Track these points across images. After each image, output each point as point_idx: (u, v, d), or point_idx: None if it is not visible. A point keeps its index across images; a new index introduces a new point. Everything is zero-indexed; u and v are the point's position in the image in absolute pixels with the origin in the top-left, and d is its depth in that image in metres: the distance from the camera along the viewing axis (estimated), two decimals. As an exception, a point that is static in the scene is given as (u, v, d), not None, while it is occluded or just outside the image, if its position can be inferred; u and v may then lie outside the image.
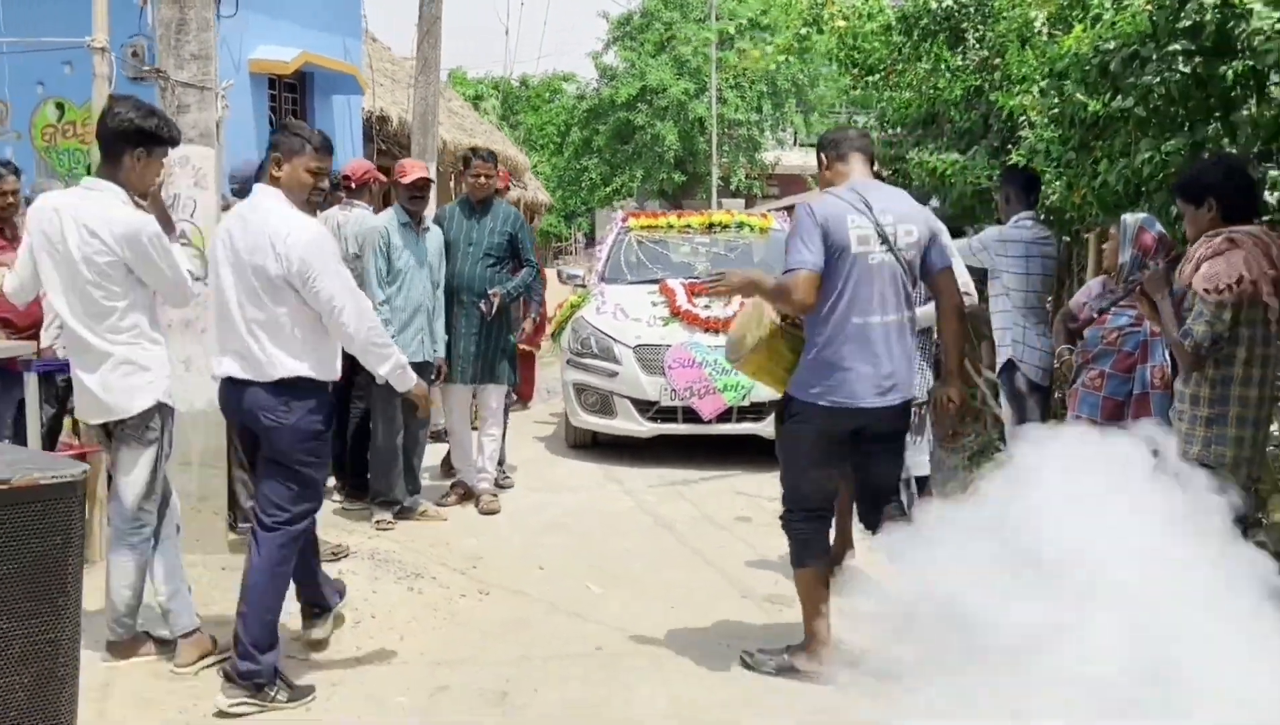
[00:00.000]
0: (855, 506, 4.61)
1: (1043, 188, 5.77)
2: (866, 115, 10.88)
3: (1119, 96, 4.93)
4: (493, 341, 6.79)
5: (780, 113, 28.09)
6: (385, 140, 13.50)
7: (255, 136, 9.30)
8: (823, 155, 4.39)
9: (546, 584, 5.44)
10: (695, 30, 27.32)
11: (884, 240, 4.06)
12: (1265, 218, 4.87)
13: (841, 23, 7.82)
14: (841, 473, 4.40)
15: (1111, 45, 4.90)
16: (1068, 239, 6.22)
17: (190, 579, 4.49)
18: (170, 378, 4.21)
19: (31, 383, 5.16)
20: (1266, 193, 4.81)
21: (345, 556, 5.59)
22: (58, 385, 5.93)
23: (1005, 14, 6.01)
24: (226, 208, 5.84)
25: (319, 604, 4.57)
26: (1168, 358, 4.69)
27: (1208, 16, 4.64)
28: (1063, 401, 5.52)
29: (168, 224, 4.22)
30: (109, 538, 4.29)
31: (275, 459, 4.04)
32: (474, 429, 7.07)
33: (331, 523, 5.99)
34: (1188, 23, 4.70)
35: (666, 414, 8.04)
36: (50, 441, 5.63)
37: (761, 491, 6.78)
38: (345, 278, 4.03)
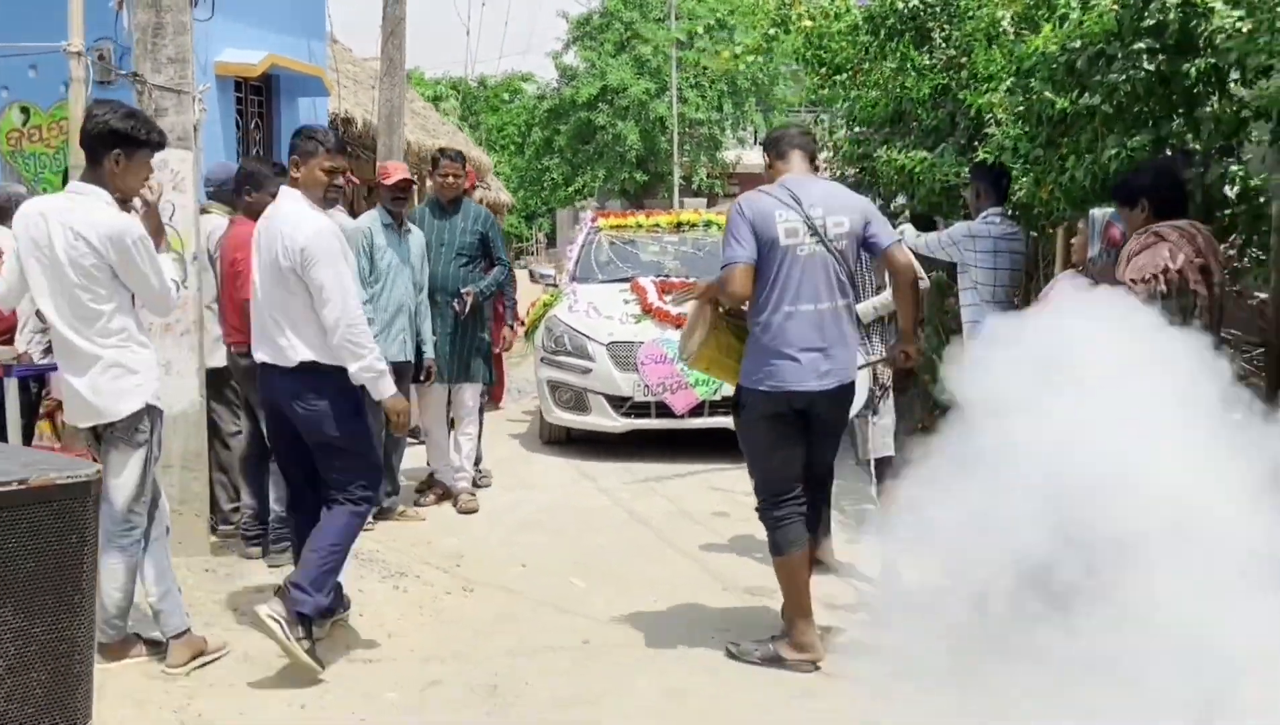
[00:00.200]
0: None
1: (1011, 184, 5.89)
2: (829, 115, 11.01)
3: (1085, 94, 5.04)
4: (467, 340, 6.85)
5: (741, 112, 28.22)
6: (350, 142, 13.46)
7: (222, 139, 9.25)
8: (766, 154, 4.65)
9: (529, 580, 5.50)
10: (655, 30, 27.39)
11: (814, 232, 4.29)
12: (1227, 211, 5.03)
13: (808, 23, 7.91)
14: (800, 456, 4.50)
15: (1078, 44, 5.01)
16: (1035, 234, 6.34)
17: (175, 581, 4.51)
18: (158, 380, 4.22)
19: (12, 387, 5.15)
20: (1227, 187, 4.97)
21: (329, 556, 5.61)
22: (30, 391, 5.93)
23: (972, 14, 6.13)
24: (204, 211, 5.88)
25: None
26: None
27: (1170, 15, 4.77)
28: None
29: (158, 234, 4.24)
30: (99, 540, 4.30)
31: (325, 443, 4.37)
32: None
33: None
34: (1151, 21, 4.83)
35: (640, 409, 8.20)
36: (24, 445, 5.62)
37: (736, 487, 6.85)
38: (342, 274, 4.24)
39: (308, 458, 4.47)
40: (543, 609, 5.08)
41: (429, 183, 7.11)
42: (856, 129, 8.58)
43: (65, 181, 5.80)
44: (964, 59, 6.50)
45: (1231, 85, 4.89)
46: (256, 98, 10.46)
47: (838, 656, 4.51)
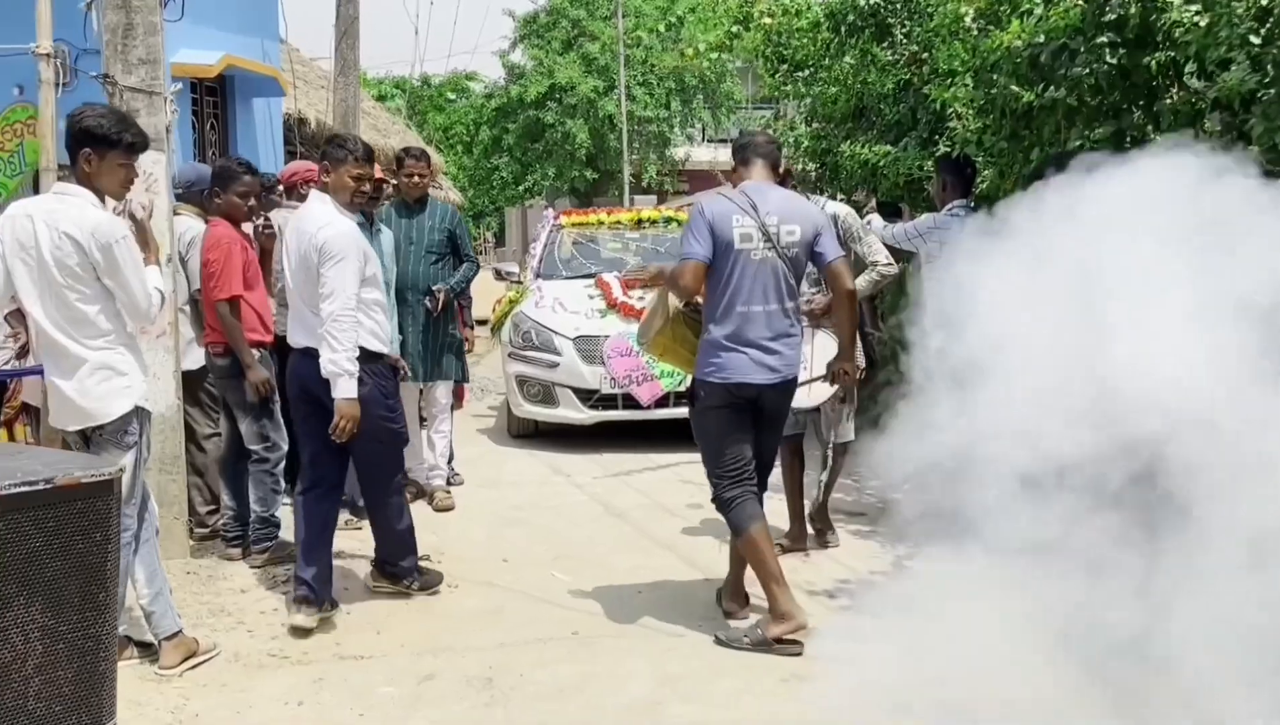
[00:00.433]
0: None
1: (976, 176, 6.03)
2: (784, 112, 11.14)
3: (1050, 87, 5.18)
4: (439, 338, 6.89)
5: (689, 109, 28.32)
6: (304, 142, 13.39)
7: (179, 140, 9.17)
8: (733, 158, 4.91)
9: (513, 574, 5.54)
10: (604, 28, 27.40)
11: (767, 238, 4.54)
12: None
13: (768, 20, 8.02)
14: (751, 443, 4.72)
15: (1042, 39, 5.15)
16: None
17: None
18: (146, 382, 4.22)
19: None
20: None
21: (311, 556, 5.63)
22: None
23: (934, 10, 6.25)
24: (175, 213, 5.85)
25: (313, 592, 4.75)
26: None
27: (1131, 10, 4.93)
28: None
29: (145, 245, 4.24)
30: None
31: (369, 429, 4.72)
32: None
33: (289, 525, 5.98)
34: (1113, 16, 4.99)
35: (607, 401, 8.41)
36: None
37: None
38: (346, 273, 4.62)
39: (327, 440, 4.77)
40: (529, 602, 5.12)
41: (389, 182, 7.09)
42: (815, 124, 8.69)
43: (36, 186, 5.77)
44: (925, 55, 6.62)
45: (1188, 78, 5.05)
46: (212, 98, 10.38)
47: (824, 640, 4.60)
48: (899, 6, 6.86)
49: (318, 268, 4.64)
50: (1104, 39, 4.98)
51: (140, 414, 4.15)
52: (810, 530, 6.00)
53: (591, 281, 9.19)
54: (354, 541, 5.93)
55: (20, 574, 2.41)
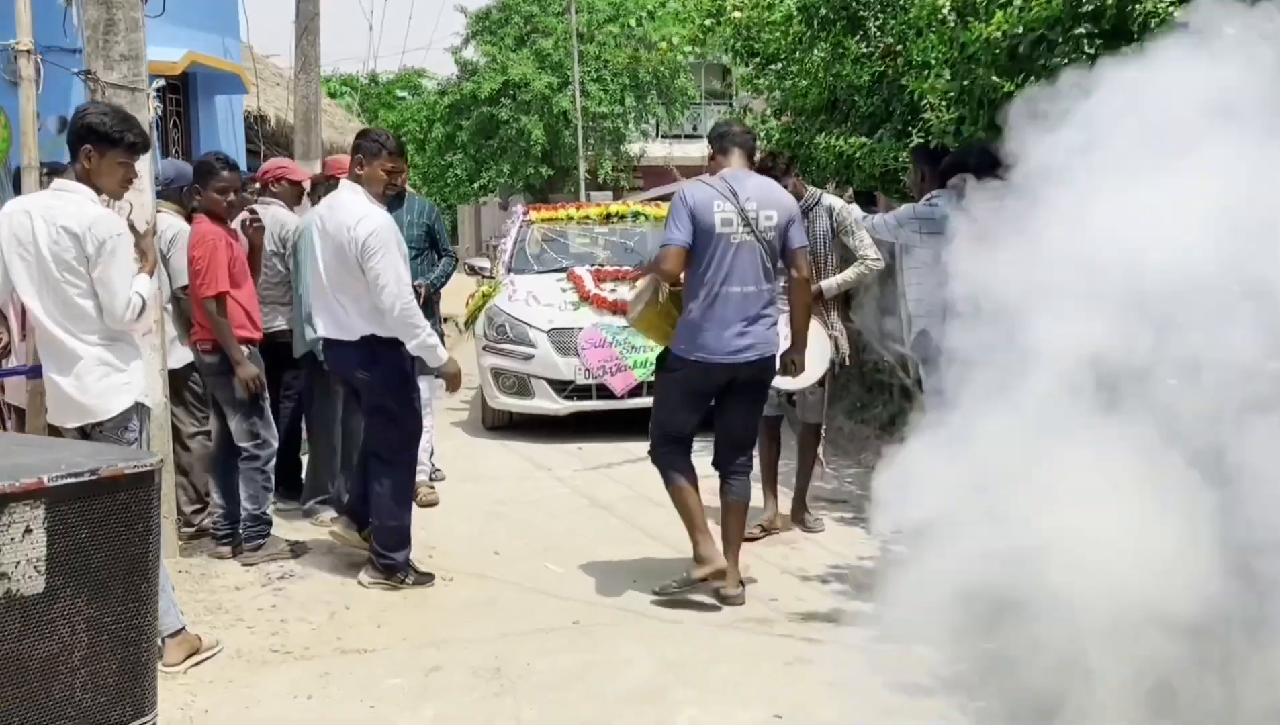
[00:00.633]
0: (716, 452, 5.17)
1: (953, 166, 6.11)
2: (730, 108, 11.24)
3: (1029, 78, 5.28)
4: (422, 333, 6.89)
5: (643, 105, 28.34)
6: (265, 140, 13.30)
7: (146, 138, 9.09)
8: (710, 146, 5.12)
9: (505, 567, 5.56)
10: (557, 23, 27.34)
11: (746, 223, 4.79)
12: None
13: (737, 14, 8.08)
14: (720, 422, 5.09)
15: (1021, 30, 5.24)
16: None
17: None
18: (145, 377, 4.21)
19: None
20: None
21: (304, 553, 5.62)
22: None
23: (911, 2, 6.33)
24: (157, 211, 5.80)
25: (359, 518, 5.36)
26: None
27: (1108, 1, 5.03)
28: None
29: (143, 255, 4.24)
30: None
31: (375, 405, 5.12)
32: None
33: (279, 524, 5.96)
34: (1090, 7, 5.09)
35: (581, 392, 8.57)
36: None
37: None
38: (395, 263, 4.89)
39: None
40: (525, 593, 5.15)
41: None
42: (785, 117, 8.77)
43: (17, 184, 5.70)
44: (899, 47, 6.71)
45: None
46: (174, 96, 10.29)
47: (824, 625, 4.70)
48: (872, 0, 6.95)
49: (359, 260, 4.87)
50: (1082, 30, 5.08)
51: (140, 410, 4.13)
52: (793, 519, 6.16)
53: (564, 275, 9.36)
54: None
55: (67, 565, 2.42)
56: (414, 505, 5.43)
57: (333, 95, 32.36)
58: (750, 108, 9.43)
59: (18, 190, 5.57)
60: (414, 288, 6.56)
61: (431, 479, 7.19)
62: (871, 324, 6.63)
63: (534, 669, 4.28)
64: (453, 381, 5.26)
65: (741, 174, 4.92)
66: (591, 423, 8.67)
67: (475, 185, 29.09)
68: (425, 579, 5.26)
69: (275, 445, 5.59)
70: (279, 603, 5.04)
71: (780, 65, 7.98)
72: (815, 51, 7.43)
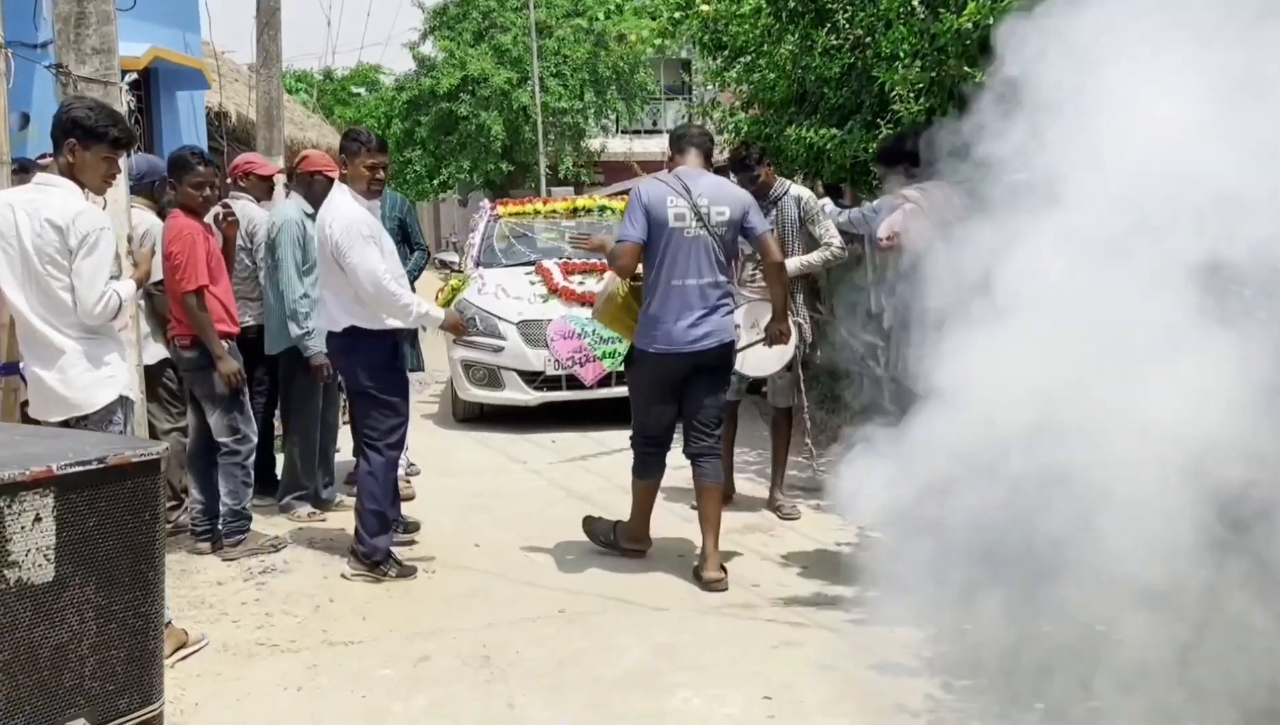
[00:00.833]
0: (685, 438, 5.35)
1: (925, 156, 6.19)
2: (690, 104, 11.28)
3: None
4: (397, 328, 6.88)
5: (603, 100, 28.34)
6: (225, 136, 13.19)
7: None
8: (670, 147, 5.43)
9: (488, 558, 5.58)
10: (515, 18, 27.28)
11: (699, 218, 5.04)
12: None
13: (706, 7, 8.11)
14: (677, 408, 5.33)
15: (992, 20, 5.31)
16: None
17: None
18: (129, 372, 4.18)
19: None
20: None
21: (284, 547, 5.61)
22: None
23: (880, -5, 6.39)
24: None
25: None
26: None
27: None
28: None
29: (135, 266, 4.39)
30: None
31: (359, 392, 5.22)
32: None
33: (259, 520, 5.94)
34: (1061, -2, 5.17)
35: (551, 382, 8.69)
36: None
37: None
38: (366, 253, 5.01)
39: None
40: (510, 583, 5.17)
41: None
42: (754, 110, 8.80)
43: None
44: (869, 38, 6.77)
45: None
46: (136, 91, 10.17)
47: (807, 608, 4.76)
48: (841, -9, 7.00)
49: (335, 256, 5.07)
50: (1052, 20, 5.16)
51: (124, 403, 4.11)
52: (770, 507, 6.30)
53: (532, 268, 9.44)
54: (324, 530, 5.93)
55: (76, 554, 2.42)
56: (390, 495, 5.40)
57: (289, 92, 32.10)
58: (718, 101, 9.44)
59: (-11, 185, 5.51)
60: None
61: (407, 474, 7.17)
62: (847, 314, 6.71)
63: (524, 657, 4.30)
64: (457, 329, 5.64)
65: (695, 172, 5.19)
66: (562, 414, 8.73)
67: (435, 182, 28.99)
68: (408, 572, 5.27)
69: (255, 440, 5.58)
70: (262, 597, 5.03)
71: (749, 58, 8.01)
72: (784, 44, 7.46)
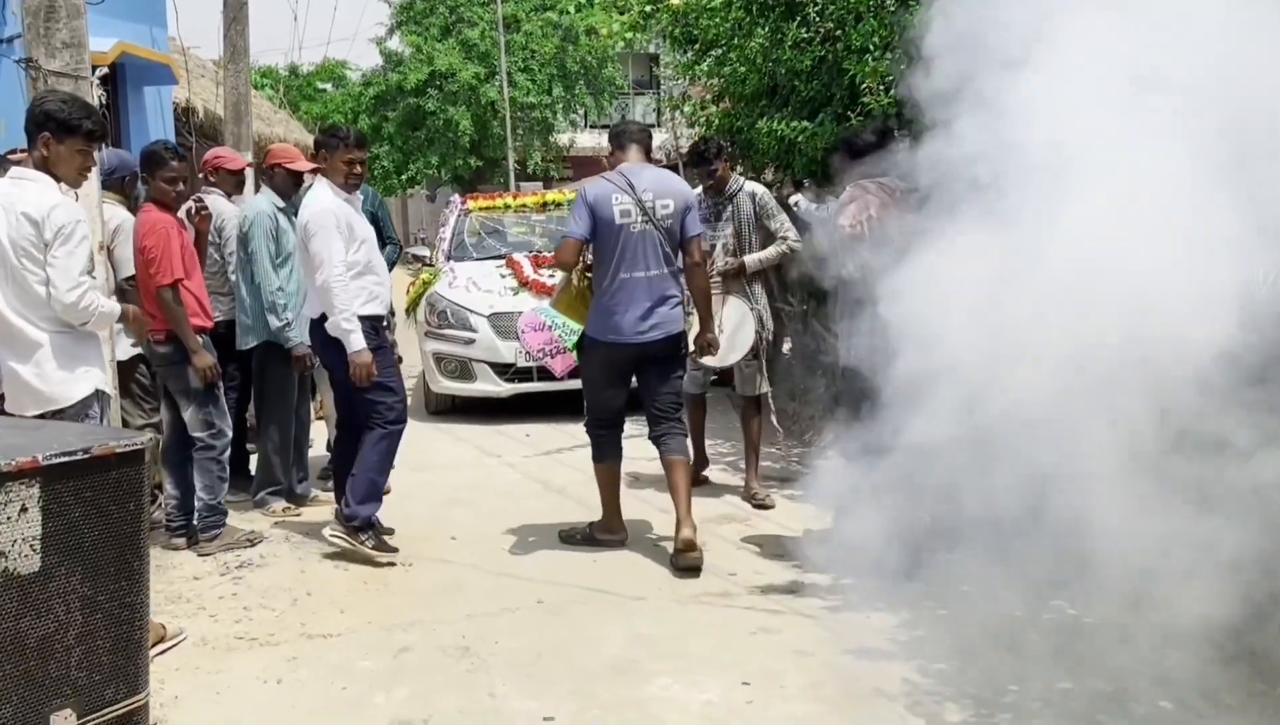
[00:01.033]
0: (649, 424, 5.54)
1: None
2: (659, 98, 11.29)
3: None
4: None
5: (571, 95, 28.31)
6: (193, 131, 13.10)
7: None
8: (610, 145, 5.60)
9: (465, 551, 5.59)
10: (482, 13, 27.20)
11: (644, 212, 5.20)
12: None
13: (676, 0, 8.15)
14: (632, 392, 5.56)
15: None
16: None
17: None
18: (105, 366, 4.17)
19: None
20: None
21: (260, 542, 5.60)
22: None
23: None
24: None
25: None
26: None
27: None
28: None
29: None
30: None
31: (343, 377, 5.31)
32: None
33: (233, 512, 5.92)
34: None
35: (523, 374, 8.73)
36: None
37: (639, 453, 7.04)
38: (328, 244, 5.17)
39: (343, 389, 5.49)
40: (488, 575, 5.19)
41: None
42: (724, 104, 8.85)
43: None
44: (839, 31, 6.82)
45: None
46: (104, 87, 10.09)
47: (784, 596, 4.81)
48: (811, -16, 7.05)
49: (304, 244, 5.27)
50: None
51: (101, 397, 4.10)
52: (745, 497, 6.38)
53: (502, 262, 9.48)
54: (299, 525, 5.93)
55: (62, 544, 2.42)
56: (383, 466, 5.52)
57: (255, 88, 31.88)
58: (689, 95, 9.48)
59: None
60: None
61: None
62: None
63: (504, 647, 4.32)
64: (358, 370, 5.24)
65: (638, 167, 5.34)
66: (534, 405, 8.80)
67: (402, 178, 28.87)
68: (386, 549, 5.38)
69: (230, 435, 5.57)
70: (240, 591, 5.03)
71: (719, 51, 8.06)
72: (755, 37, 7.51)
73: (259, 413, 6.42)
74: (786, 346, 9.01)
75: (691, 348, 5.75)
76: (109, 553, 2.51)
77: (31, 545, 2.37)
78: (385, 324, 5.60)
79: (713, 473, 6.82)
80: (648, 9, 7.87)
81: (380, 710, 3.83)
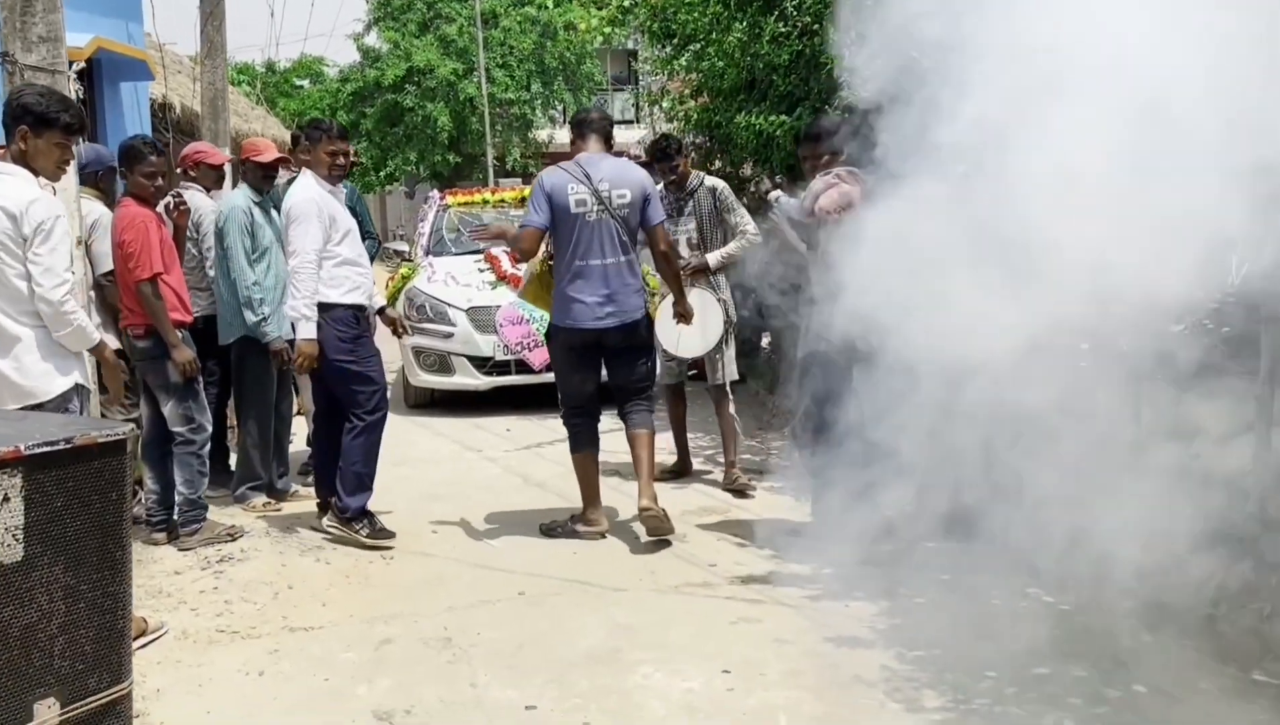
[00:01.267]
0: (617, 405, 5.66)
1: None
2: (638, 93, 11.33)
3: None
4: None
5: (550, 91, 28.29)
6: (170, 127, 13.03)
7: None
8: (571, 133, 5.70)
9: (446, 544, 5.60)
10: (460, 9, 27.15)
11: (600, 202, 5.29)
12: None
13: (654, -4, 8.18)
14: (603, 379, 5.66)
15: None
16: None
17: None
18: (85, 360, 4.17)
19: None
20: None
21: (241, 536, 5.60)
22: None
23: (828, -18, 6.49)
24: (78, 194, 5.70)
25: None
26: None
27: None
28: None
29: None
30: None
31: (330, 362, 5.39)
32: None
33: (214, 510, 5.92)
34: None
35: (501, 367, 8.86)
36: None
37: (618, 447, 7.08)
38: (305, 232, 5.30)
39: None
40: (469, 568, 5.21)
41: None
42: (703, 98, 8.88)
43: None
44: (817, 25, 6.86)
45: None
46: (81, 82, 10.04)
47: (763, 586, 4.84)
48: (789, -21, 7.09)
49: (287, 232, 5.38)
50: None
51: (80, 391, 4.10)
52: (725, 486, 6.46)
53: (480, 256, 9.52)
54: (279, 520, 5.93)
55: (44, 533, 2.43)
56: (370, 456, 5.61)
57: (232, 84, 31.73)
58: (667, 90, 9.51)
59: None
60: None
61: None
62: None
63: (485, 638, 4.34)
64: (302, 357, 5.36)
65: (596, 157, 5.42)
66: (513, 399, 8.86)
67: (381, 174, 28.79)
68: (383, 534, 5.51)
69: (210, 429, 5.57)
70: (221, 585, 5.03)
71: (698, 46, 8.09)
72: (733, 31, 7.55)
73: (238, 408, 6.42)
74: (765, 341, 9.08)
75: (664, 327, 5.93)
76: (91, 542, 2.52)
77: (14, 535, 2.38)
78: (363, 321, 5.62)
79: (693, 464, 6.86)
80: (626, 4, 7.89)
81: (362, 701, 3.84)
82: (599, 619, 4.51)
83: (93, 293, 5.71)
